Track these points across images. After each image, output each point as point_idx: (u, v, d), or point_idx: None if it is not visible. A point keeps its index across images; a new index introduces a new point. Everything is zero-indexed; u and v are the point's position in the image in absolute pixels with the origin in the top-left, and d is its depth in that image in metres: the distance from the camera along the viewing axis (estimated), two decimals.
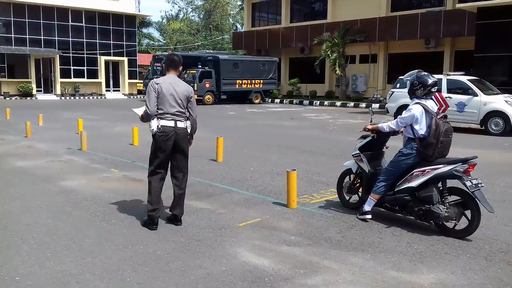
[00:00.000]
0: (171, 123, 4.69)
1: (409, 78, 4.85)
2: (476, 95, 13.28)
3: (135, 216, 5.13)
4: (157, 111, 4.69)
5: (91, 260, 3.92)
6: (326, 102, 25.71)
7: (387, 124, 4.99)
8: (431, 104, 4.77)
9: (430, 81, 4.70)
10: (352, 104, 24.38)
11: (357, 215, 5.13)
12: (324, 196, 6.10)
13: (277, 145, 10.76)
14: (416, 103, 4.73)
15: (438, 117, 4.64)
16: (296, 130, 13.84)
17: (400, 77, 14.59)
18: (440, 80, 13.80)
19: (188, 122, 4.83)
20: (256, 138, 11.94)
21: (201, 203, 5.72)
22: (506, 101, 13.09)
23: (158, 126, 4.68)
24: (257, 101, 27.15)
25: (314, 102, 26.28)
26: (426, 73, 4.80)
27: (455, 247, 4.32)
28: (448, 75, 14.28)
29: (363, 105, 23.70)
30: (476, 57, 18.15)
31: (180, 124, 4.73)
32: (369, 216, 5.00)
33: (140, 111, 4.89)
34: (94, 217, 5.13)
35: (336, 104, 25.02)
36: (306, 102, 26.72)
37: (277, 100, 28.45)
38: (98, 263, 3.85)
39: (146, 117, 4.76)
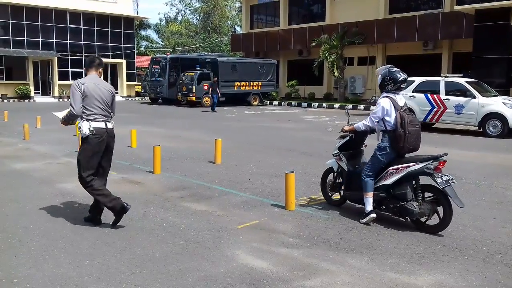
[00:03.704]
0: (102, 125, 4.67)
1: (381, 73, 5.07)
2: (474, 97, 13.29)
3: (133, 218, 5.13)
4: (83, 112, 4.62)
5: (89, 262, 3.91)
6: (324, 104, 25.74)
7: (361, 122, 5.17)
8: (400, 98, 4.99)
9: (400, 77, 4.96)
10: (350, 106, 24.38)
11: (360, 220, 5.06)
12: (322, 198, 6.10)
13: (275, 147, 10.76)
14: (384, 96, 4.95)
15: (402, 110, 4.85)
16: (295, 132, 13.84)
17: None
18: (438, 82, 13.85)
19: (113, 122, 4.86)
20: (254, 140, 11.94)
21: (199, 205, 5.71)
22: (504, 103, 13.10)
23: (90, 128, 4.59)
24: (255, 103, 27.16)
25: (313, 104, 26.31)
26: (397, 69, 5.06)
27: (453, 249, 4.33)
28: (446, 77, 14.34)
29: (362, 107, 23.73)
30: (474, 59, 18.21)
31: (109, 125, 4.76)
32: (374, 215, 4.97)
33: (61, 114, 4.86)
34: None
35: (334, 106, 25.04)
36: (304, 104, 26.76)
37: (276, 102, 28.48)
38: (96, 266, 3.84)
39: (70, 118, 4.75)
